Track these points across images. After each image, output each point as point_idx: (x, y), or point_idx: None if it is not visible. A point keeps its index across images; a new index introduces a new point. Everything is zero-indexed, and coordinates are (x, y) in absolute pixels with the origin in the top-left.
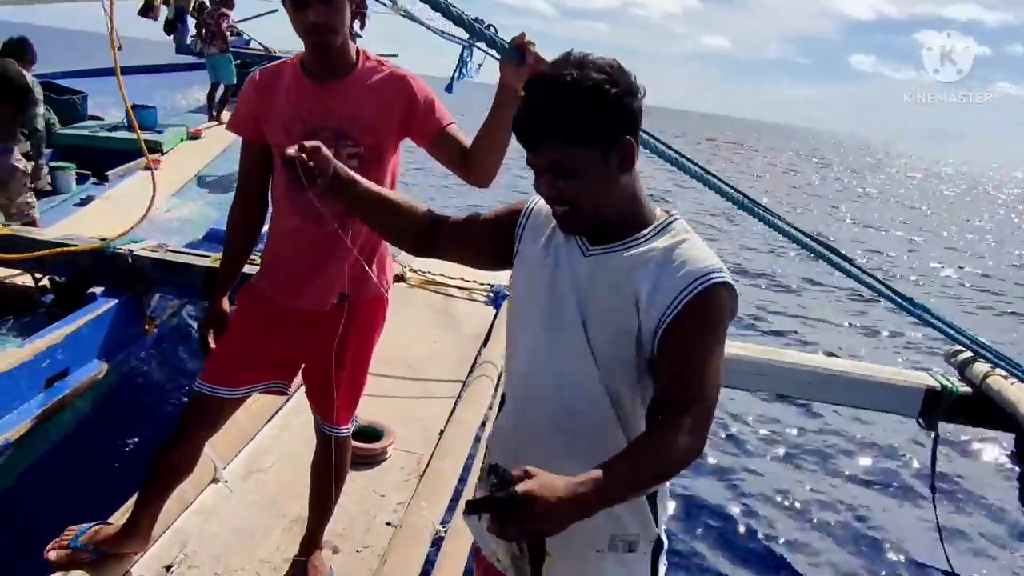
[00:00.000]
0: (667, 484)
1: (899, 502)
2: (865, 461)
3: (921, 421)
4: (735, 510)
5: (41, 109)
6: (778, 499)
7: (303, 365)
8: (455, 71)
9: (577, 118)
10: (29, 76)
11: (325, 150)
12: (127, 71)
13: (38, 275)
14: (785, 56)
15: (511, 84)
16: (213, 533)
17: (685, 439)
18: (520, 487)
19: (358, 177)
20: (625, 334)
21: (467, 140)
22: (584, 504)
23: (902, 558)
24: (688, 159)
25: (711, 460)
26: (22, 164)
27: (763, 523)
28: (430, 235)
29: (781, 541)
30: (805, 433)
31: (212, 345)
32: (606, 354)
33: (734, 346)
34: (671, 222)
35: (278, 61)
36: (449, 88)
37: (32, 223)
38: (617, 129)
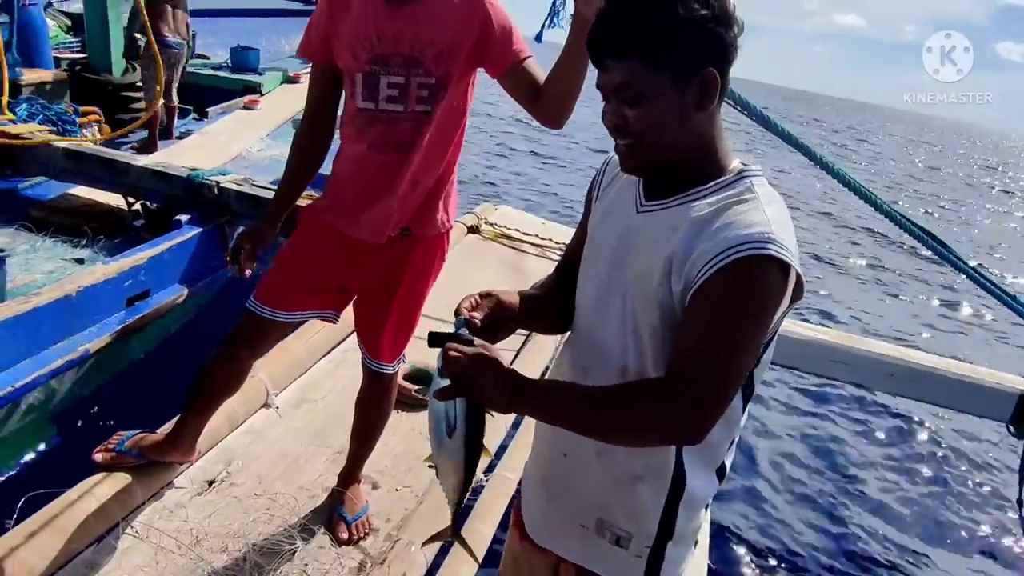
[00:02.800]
0: (704, 498)
1: (977, 510)
2: (938, 462)
3: (1011, 428)
4: (790, 499)
5: None
6: (837, 493)
7: (355, 296)
8: (546, 19)
9: (653, 33)
10: None
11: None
12: (235, 13)
13: (131, 200)
14: (924, 40)
15: (584, 12)
16: (258, 455)
17: (658, 407)
18: (478, 341)
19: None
20: (653, 304)
21: (543, 76)
22: (514, 390)
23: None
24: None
25: (762, 444)
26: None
27: (819, 516)
28: (565, 296)
29: (837, 536)
30: (875, 425)
31: (242, 259)
32: (640, 325)
33: (813, 329)
34: (740, 177)
35: None
36: (539, 38)
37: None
38: (699, 56)
